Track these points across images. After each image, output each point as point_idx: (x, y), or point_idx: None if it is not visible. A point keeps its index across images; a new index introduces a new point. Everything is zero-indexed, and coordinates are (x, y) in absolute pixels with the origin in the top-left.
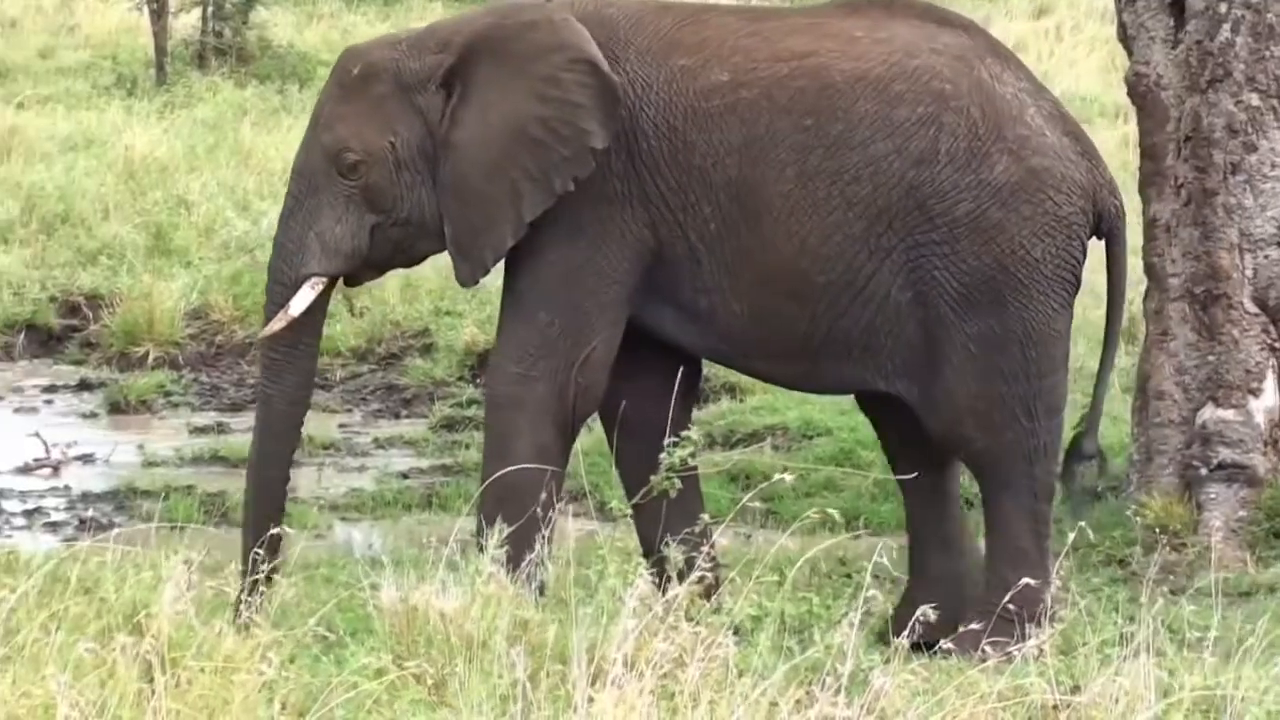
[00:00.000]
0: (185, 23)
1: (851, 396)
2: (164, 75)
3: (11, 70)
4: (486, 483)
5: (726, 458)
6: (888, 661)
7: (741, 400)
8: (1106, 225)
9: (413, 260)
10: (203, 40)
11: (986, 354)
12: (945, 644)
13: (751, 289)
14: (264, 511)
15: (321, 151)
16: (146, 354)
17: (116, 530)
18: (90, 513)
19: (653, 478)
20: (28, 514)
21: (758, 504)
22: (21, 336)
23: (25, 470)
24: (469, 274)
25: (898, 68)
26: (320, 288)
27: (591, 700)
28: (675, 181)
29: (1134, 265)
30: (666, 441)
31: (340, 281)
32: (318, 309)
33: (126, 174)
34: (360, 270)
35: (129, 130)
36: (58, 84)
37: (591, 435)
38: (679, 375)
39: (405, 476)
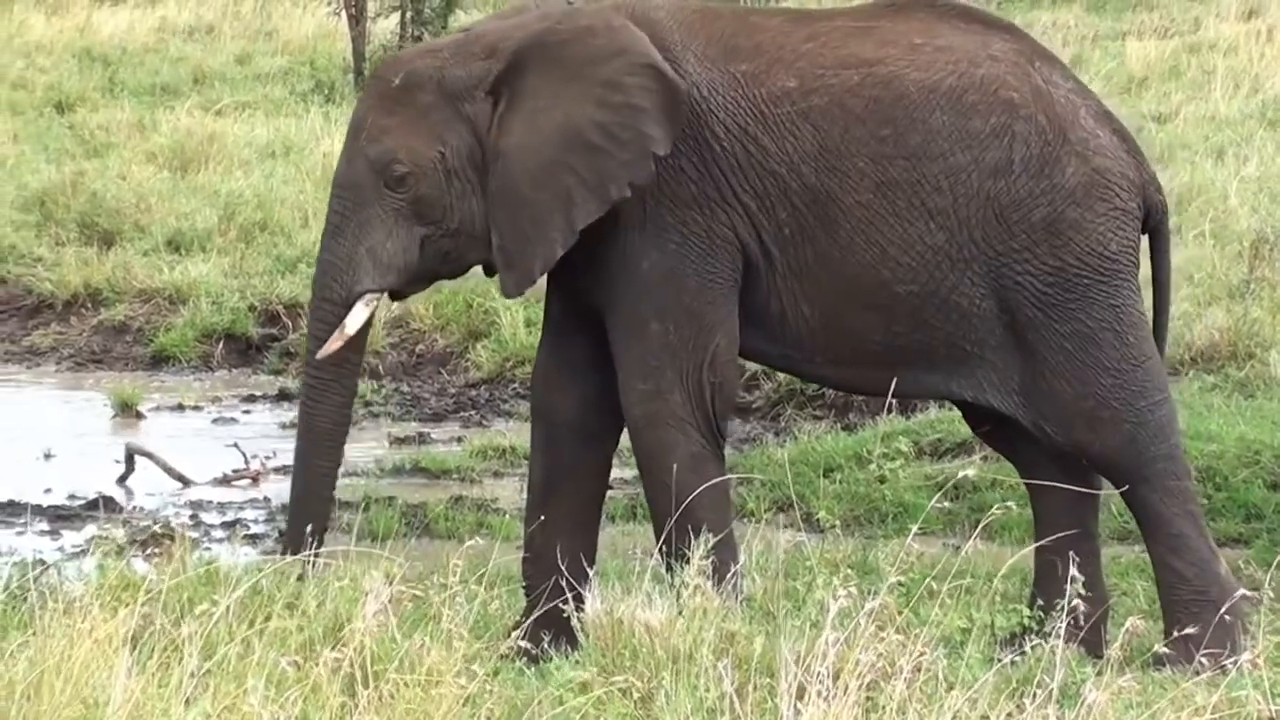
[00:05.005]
0: (384, 28)
1: None
2: (362, 81)
3: (209, 76)
4: (667, 512)
5: (938, 469)
6: (1100, 674)
7: (950, 410)
8: (1154, 220)
9: (459, 271)
10: (401, 45)
11: (1084, 349)
12: (1160, 648)
13: (825, 295)
14: (312, 527)
15: (367, 165)
16: None
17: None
18: None
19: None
20: (227, 526)
21: (965, 513)
22: (220, 346)
23: (224, 482)
24: (514, 286)
25: (967, 77)
26: (375, 305)
27: (798, 713)
28: (751, 184)
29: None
30: (877, 451)
31: (385, 295)
32: (365, 325)
33: (325, 181)
34: (410, 284)
35: (327, 137)
36: (255, 90)
37: (797, 445)
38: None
39: (609, 487)
